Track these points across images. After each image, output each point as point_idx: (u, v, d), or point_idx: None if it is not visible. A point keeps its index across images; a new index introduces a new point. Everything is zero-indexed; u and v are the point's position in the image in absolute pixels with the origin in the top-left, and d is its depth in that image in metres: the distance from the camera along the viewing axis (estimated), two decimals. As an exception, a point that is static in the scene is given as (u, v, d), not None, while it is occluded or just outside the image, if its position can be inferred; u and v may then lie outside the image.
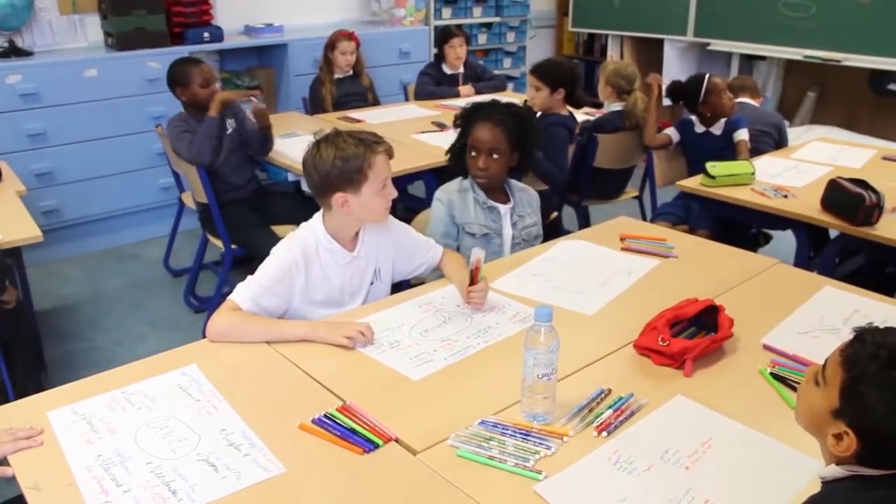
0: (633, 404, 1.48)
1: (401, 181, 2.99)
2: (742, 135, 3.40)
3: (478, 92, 4.63)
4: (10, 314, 2.53)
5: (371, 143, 1.85)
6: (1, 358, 2.53)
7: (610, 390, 1.53)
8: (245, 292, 1.79)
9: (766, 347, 1.70)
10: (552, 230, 3.61)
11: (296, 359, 1.66)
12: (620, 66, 3.80)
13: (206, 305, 3.51)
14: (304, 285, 1.87)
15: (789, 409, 1.17)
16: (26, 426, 1.39)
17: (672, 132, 3.63)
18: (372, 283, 1.99)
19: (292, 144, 3.43)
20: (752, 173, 2.95)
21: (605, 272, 2.11)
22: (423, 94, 4.63)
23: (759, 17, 4.95)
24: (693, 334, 1.75)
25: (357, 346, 1.70)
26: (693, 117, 3.54)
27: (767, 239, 3.66)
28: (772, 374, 1.59)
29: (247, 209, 3.31)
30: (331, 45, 4.30)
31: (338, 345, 1.70)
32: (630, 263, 2.18)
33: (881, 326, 1.05)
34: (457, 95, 4.59)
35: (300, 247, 1.87)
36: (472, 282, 1.87)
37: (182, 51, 4.06)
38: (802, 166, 3.21)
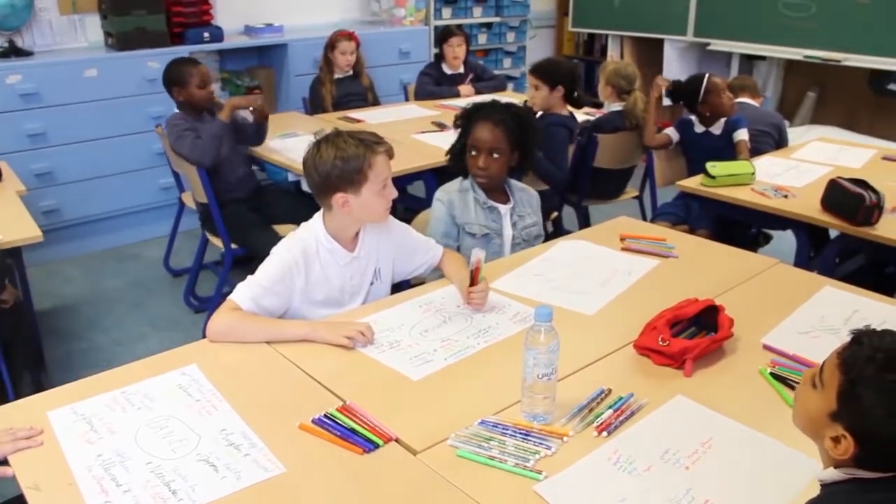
0: (633, 404, 1.48)
1: (401, 181, 2.99)
2: (742, 135, 3.40)
3: (478, 92, 4.63)
4: (8, 314, 2.53)
5: (371, 143, 1.85)
6: (1, 358, 2.53)
7: (610, 390, 1.53)
8: (245, 292, 1.79)
9: (766, 347, 1.70)
10: (552, 230, 3.63)
11: (296, 359, 1.66)
12: (620, 66, 3.80)
13: (206, 305, 3.51)
14: (305, 285, 1.87)
15: (789, 409, 1.17)
16: (26, 426, 1.39)
17: (672, 132, 3.63)
18: (372, 284, 1.99)
19: (292, 144, 3.43)
20: (753, 173, 2.95)
21: (605, 272, 2.11)
22: (423, 94, 4.63)
23: (759, 17, 4.95)
24: (693, 334, 1.75)
25: (357, 346, 1.70)
26: (693, 117, 3.54)
27: (767, 239, 3.66)
28: (772, 374, 1.59)
29: (247, 209, 3.31)
30: (331, 45, 4.30)
31: (338, 345, 1.70)
32: (630, 263, 2.18)
33: (878, 329, 1.05)
34: (457, 95, 4.59)
35: (300, 247, 1.87)
36: (473, 282, 1.87)
37: (182, 51, 4.06)
38: (802, 166, 3.21)
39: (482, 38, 5.97)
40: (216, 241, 3.30)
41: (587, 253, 2.26)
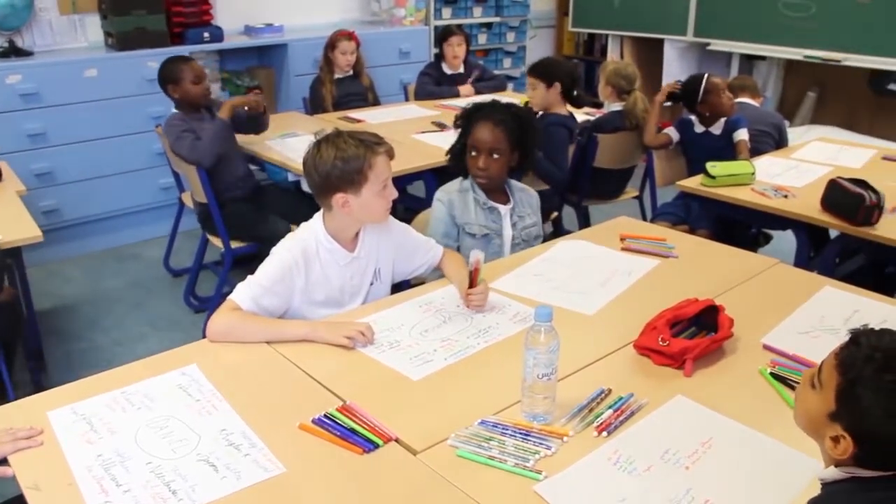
0: (633, 404, 1.48)
1: (401, 181, 2.99)
2: (742, 135, 3.40)
3: (478, 92, 4.64)
4: (4, 313, 2.53)
5: (372, 143, 1.85)
6: (1, 358, 2.53)
7: (610, 390, 1.53)
8: (245, 292, 1.79)
9: (766, 347, 1.70)
10: (552, 230, 3.63)
11: (296, 359, 1.66)
12: (620, 66, 3.80)
13: (206, 305, 3.51)
14: (304, 285, 1.87)
15: (789, 409, 1.18)
16: (26, 426, 1.39)
17: (672, 132, 3.63)
18: (372, 284, 1.99)
19: (292, 144, 3.44)
20: (753, 173, 2.95)
21: (605, 272, 2.11)
22: (423, 94, 4.63)
23: (759, 17, 4.95)
24: (693, 334, 1.75)
25: (357, 346, 1.70)
26: (693, 117, 3.54)
27: (767, 239, 3.65)
28: (772, 374, 1.59)
29: (247, 206, 3.31)
30: (331, 44, 4.30)
31: (338, 345, 1.70)
32: (630, 263, 2.18)
33: (876, 328, 1.05)
34: (457, 95, 4.59)
35: (300, 247, 1.87)
36: (472, 283, 1.87)
37: (182, 51, 4.06)
38: (802, 166, 3.21)
39: (482, 38, 5.97)
40: (216, 241, 3.30)
41: (587, 253, 2.26)
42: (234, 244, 3.23)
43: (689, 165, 3.58)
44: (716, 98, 3.40)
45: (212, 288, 3.53)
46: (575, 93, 3.41)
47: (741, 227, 3.36)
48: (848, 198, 2.53)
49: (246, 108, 3.33)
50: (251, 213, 3.27)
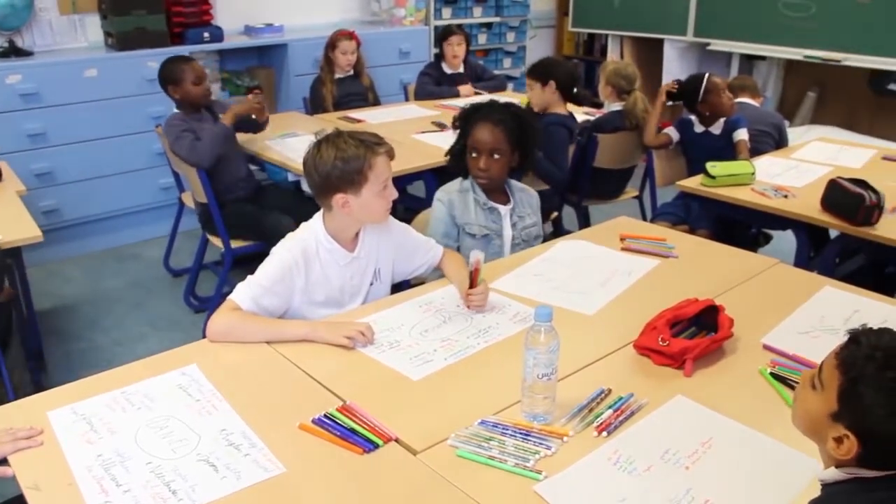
0: (633, 404, 1.48)
1: (401, 181, 2.99)
2: (742, 134, 3.40)
3: (478, 92, 4.64)
4: (2, 313, 2.53)
5: (372, 144, 1.84)
6: (1, 358, 2.53)
7: (610, 390, 1.53)
8: (245, 292, 1.79)
9: (766, 347, 1.70)
10: (552, 230, 3.63)
11: (296, 359, 1.66)
12: (620, 66, 3.80)
13: (206, 305, 3.51)
14: (304, 285, 1.87)
15: (789, 410, 1.17)
16: (26, 426, 1.39)
17: (672, 132, 3.63)
18: (372, 284, 1.99)
19: (292, 144, 3.44)
20: (753, 173, 2.95)
21: (605, 272, 2.11)
22: (423, 94, 4.63)
23: (759, 17, 4.95)
24: (693, 334, 1.75)
25: (357, 346, 1.70)
26: (692, 117, 3.54)
27: (767, 239, 3.65)
28: (772, 374, 1.59)
29: (247, 206, 3.31)
30: (331, 44, 4.30)
31: (338, 345, 1.70)
32: (630, 263, 2.18)
33: (875, 328, 1.05)
34: (457, 95, 4.59)
35: (300, 247, 1.87)
36: (472, 284, 1.87)
37: (182, 51, 4.05)
38: (802, 166, 3.21)
39: (482, 38, 5.98)
40: (216, 241, 3.30)
41: (587, 253, 2.26)
42: (239, 244, 3.23)
43: (689, 165, 3.58)
44: (716, 98, 3.40)
45: (212, 288, 3.53)
46: (574, 90, 3.41)
47: (741, 227, 3.36)
48: (848, 198, 2.53)
49: (253, 115, 3.34)
50: (253, 211, 3.27)
